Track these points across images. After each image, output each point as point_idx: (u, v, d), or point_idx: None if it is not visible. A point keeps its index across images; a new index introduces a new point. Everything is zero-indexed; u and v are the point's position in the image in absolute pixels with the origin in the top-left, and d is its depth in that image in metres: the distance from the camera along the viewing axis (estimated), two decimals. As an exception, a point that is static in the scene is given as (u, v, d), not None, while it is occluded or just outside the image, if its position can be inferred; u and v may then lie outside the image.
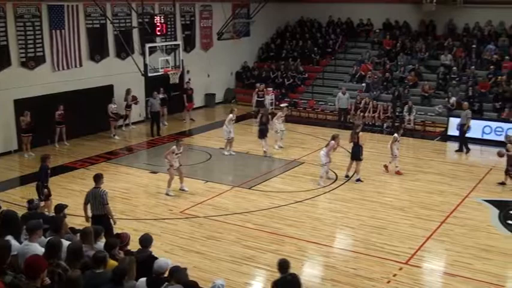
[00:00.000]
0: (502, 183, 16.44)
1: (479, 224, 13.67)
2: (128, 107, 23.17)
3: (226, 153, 19.64)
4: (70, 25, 21.22)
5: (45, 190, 13.40)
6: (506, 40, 26.36)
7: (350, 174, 17.16)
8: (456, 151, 20.43)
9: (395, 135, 17.77)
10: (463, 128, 20.36)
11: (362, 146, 16.94)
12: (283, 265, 8.14)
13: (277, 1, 30.36)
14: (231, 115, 19.64)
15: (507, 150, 16.22)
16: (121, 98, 22.91)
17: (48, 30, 20.57)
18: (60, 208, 9.81)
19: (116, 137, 21.93)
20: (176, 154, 15.52)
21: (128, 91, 23.00)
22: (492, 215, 14.33)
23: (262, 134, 19.91)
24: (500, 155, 16.62)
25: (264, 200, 15.32)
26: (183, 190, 15.93)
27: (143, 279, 7.06)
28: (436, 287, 10.88)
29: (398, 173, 17.61)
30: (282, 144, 20.48)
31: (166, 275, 7.23)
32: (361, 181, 16.79)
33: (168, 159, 15.49)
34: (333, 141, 16.61)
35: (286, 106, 24.33)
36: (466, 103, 21.34)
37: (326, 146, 16.79)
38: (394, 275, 11.04)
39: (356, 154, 16.93)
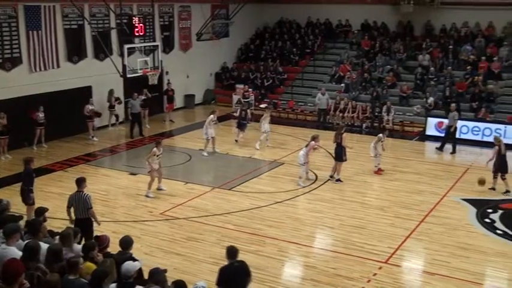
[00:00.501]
0: (507, 191, 15.86)
1: (458, 223, 13.83)
2: (112, 107, 23.01)
3: (205, 154, 19.62)
4: (47, 26, 20.99)
5: (32, 194, 13.20)
6: (482, 41, 26.70)
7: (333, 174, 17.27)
8: (437, 148, 20.57)
9: (380, 135, 17.92)
10: (449, 129, 20.43)
11: (345, 147, 17.04)
12: (231, 252, 8.29)
13: (256, 2, 30.39)
14: (211, 116, 19.65)
15: (498, 149, 15.93)
16: (100, 99, 22.76)
17: (24, 31, 20.32)
18: (40, 211, 9.70)
19: (95, 138, 21.73)
20: (157, 156, 15.45)
21: (111, 92, 22.86)
22: (470, 214, 14.50)
23: (242, 127, 21.01)
24: (480, 183, 15.91)
25: (244, 201, 15.32)
26: (160, 189, 15.88)
27: (113, 285, 7.01)
28: (415, 285, 10.98)
29: (377, 172, 17.74)
30: (258, 146, 20.53)
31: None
32: (341, 181, 16.87)
33: (149, 162, 15.41)
34: (313, 142, 16.69)
35: (266, 106, 24.40)
36: (453, 105, 21.30)
37: (306, 146, 16.86)
38: (374, 274, 11.12)
39: (339, 155, 17.03)
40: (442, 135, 21.37)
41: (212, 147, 19.85)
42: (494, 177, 16.11)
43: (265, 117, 20.65)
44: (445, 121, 21.32)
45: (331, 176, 17.16)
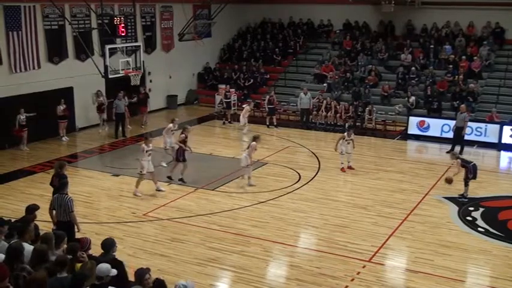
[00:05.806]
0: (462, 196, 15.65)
1: (440, 221, 13.95)
2: (99, 108, 22.91)
3: (164, 164, 18.25)
4: (27, 26, 20.76)
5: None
6: (462, 40, 26.95)
7: (172, 176, 16.94)
8: (447, 152, 20.02)
9: (344, 133, 17.99)
10: (460, 130, 20.04)
11: (183, 148, 16.57)
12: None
13: (238, 2, 30.37)
14: (170, 125, 18.40)
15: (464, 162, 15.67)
16: (82, 100, 22.57)
17: (4, 31, 20.08)
18: (32, 209, 9.54)
19: (64, 138, 21.58)
20: (147, 152, 15.37)
21: (98, 93, 22.74)
22: (451, 212, 14.63)
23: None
24: (448, 181, 15.54)
25: (227, 201, 15.30)
26: (160, 190, 15.86)
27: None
28: (398, 283, 11.05)
29: (342, 170, 17.82)
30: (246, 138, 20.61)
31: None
32: (185, 182, 16.62)
33: (140, 159, 15.38)
34: (254, 143, 16.61)
35: (248, 105, 24.38)
36: (463, 105, 20.99)
37: (247, 148, 16.73)
38: (358, 273, 11.17)
39: (180, 155, 16.67)
40: (425, 134, 21.37)
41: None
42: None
43: (246, 112, 21.24)
44: (451, 122, 20.92)
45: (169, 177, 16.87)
